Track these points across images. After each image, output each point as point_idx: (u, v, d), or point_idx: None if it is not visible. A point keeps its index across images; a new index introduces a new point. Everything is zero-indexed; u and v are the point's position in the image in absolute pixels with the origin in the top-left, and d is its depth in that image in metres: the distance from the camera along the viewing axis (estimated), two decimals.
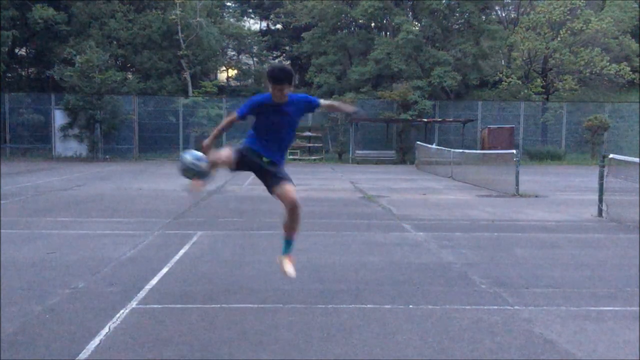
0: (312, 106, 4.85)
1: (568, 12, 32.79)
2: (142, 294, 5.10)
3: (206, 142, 4.83)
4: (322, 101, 4.93)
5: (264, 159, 4.73)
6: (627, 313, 4.72)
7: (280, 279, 5.70)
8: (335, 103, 4.91)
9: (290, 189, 4.71)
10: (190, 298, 5.00)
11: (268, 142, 4.76)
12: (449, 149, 21.45)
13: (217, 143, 4.90)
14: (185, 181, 4.82)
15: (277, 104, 4.63)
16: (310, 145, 30.94)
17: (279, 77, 4.50)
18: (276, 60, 49.31)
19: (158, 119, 31.45)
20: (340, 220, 9.53)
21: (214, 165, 4.77)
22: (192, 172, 4.75)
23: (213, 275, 5.81)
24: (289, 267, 4.84)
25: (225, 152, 4.73)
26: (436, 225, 9.16)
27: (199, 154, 4.80)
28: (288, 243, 4.89)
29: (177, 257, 6.62)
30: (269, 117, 4.67)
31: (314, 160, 29.82)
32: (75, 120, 29.63)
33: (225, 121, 4.90)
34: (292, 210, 4.71)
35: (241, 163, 4.75)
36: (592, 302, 5.00)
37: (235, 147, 4.83)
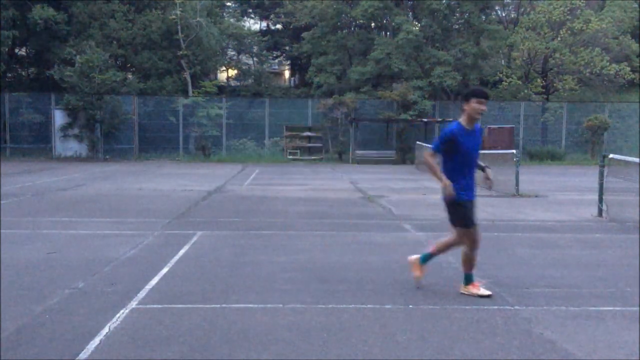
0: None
1: (568, 12, 32.77)
2: (142, 294, 5.10)
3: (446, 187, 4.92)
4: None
5: (473, 202, 4.99)
6: (627, 313, 4.72)
7: (280, 279, 5.71)
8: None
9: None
10: (190, 298, 5.00)
11: (465, 176, 4.94)
12: None
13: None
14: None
15: (469, 130, 4.90)
16: (310, 145, 30.91)
17: (485, 93, 4.89)
18: (276, 60, 49.33)
19: (158, 119, 31.42)
20: (340, 220, 9.52)
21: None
22: None
23: (213, 275, 5.81)
24: (483, 290, 5.13)
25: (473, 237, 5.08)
26: (436, 225, 9.16)
27: None
28: (469, 276, 5.22)
29: (177, 257, 6.62)
30: (465, 144, 4.87)
31: (314, 160, 29.78)
32: (75, 120, 29.60)
33: (431, 163, 5.00)
34: (477, 246, 5.14)
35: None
36: (592, 302, 5.00)
37: (464, 225, 5.03)
